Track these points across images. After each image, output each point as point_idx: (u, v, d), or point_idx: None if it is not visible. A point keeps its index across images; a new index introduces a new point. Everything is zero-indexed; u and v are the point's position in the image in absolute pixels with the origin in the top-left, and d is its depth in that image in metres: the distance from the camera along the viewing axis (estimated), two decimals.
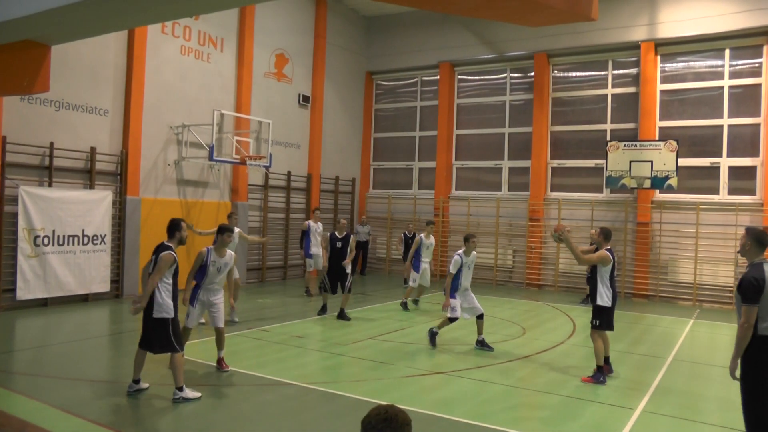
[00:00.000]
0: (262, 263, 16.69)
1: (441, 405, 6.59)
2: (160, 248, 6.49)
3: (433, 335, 9.45)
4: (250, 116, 15.69)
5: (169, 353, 6.42)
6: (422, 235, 12.95)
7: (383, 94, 21.21)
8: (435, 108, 19.66)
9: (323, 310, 11.72)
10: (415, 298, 13.34)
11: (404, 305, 12.74)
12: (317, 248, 13.37)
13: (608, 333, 7.98)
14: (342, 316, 11.31)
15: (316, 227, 13.79)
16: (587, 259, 7.89)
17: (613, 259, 7.85)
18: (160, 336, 6.39)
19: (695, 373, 8.49)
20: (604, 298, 7.75)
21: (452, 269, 9.21)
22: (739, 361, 4.82)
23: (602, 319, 7.81)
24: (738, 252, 5.37)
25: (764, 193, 14.69)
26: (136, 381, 6.57)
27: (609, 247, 7.95)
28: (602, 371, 7.72)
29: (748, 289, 4.71)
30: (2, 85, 8.35)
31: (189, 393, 6.42)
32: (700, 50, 15.88)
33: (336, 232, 11.46)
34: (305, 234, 13.77)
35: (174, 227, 6.61)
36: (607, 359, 8.01)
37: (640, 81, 16.24)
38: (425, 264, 12.90)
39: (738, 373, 4.83)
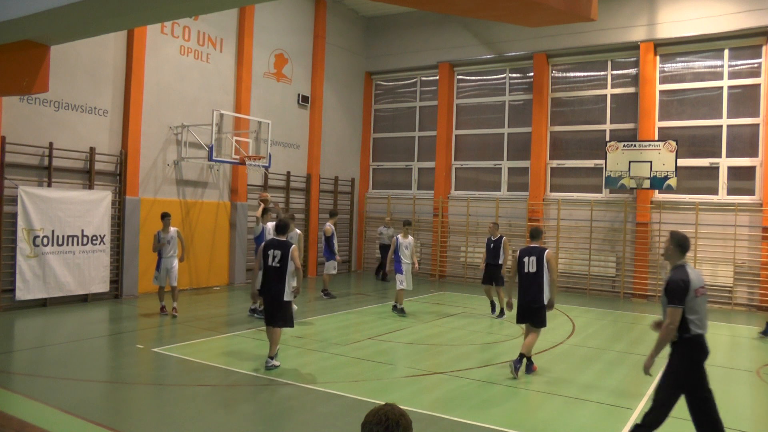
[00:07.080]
0: None
1: (441, 405, 6.59)
2: (282, 244, 7.74)
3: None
4: (249, 116, 15.68)
5: (279, 328, 7.79)
6: (399, 235, 12.25)
7: (382, 95, 21.21)
8: (434, 108, 19.66)
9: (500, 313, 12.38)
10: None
11: (401, 311, 12.03)
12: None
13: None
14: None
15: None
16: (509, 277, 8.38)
17: (517, 257, 8.06)
18: (289, 314, 7.87)
19: None
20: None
21: None
22: (655, 359, 5.05)
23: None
24: (662, 255, 5.56)
25: (763, 194, 14.70)
26: (273, 357, 7.70)
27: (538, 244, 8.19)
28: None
29: (675, 291, 4.85)
30: (1, 85, 8.34)
31: (276, 361, 7.72)
32: (699, 50, 15.89)
33: (491, 236, 12.49)
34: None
35: (287, 227, 8.01)
36: (528, 357, 7.94)
37: (640, 81, 16.25)
38: (406, 265, 12.19)
39: (651, 369, 5.10)
